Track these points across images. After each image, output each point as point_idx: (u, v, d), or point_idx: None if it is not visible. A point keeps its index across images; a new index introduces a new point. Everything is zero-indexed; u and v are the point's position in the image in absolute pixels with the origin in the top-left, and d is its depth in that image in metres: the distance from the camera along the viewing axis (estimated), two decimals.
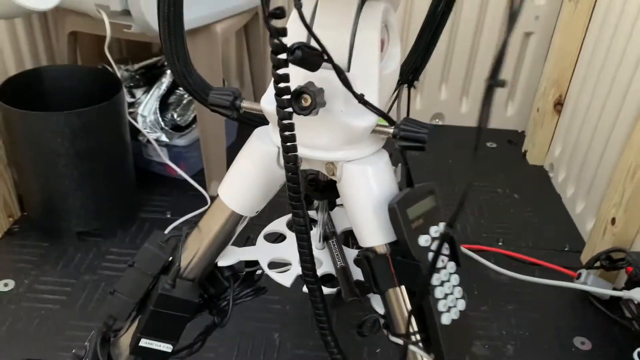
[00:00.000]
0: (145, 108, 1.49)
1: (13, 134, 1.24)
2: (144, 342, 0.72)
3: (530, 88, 1.97)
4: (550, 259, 1.36)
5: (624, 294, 1.15)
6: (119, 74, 1.38)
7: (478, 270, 1.34)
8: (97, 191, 1.31)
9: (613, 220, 1.23)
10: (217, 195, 0.70)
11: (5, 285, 1.20)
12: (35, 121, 1.19)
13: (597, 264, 1.24)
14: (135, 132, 1.48)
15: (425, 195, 0.61)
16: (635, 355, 1.03)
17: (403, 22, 1.86)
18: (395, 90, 0.74)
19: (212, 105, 0.65)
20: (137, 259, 0.73)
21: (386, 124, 0.60)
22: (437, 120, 2.08)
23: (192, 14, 1.29)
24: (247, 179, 0.67)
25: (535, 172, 1.81)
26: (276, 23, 0.47)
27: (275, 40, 0.48)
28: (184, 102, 1.57)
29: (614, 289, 1.21)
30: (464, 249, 1.38)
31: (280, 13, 0.46)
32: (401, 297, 0.63)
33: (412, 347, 0.63)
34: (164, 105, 1.54)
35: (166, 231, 1.38)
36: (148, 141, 1.49)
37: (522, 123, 2.03)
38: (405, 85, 0.80)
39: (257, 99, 1.87)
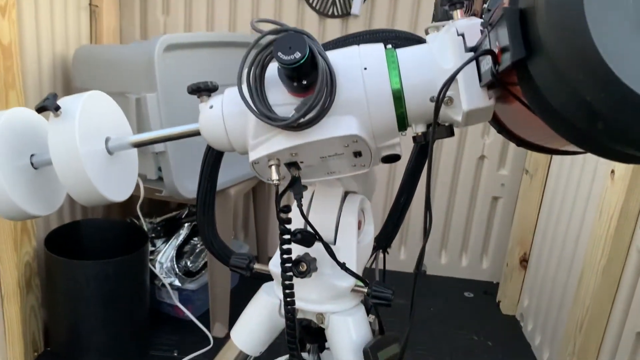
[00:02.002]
0: (164, 256, 1.67)
1: (52, 278, 1.41)
2: None
3: (501, 243, 2.17)
4: None
5: None
6: (145, 228, 1.59)
7: None
8: (117, 330, 1.45)
9: None
10: (229, 336, 0.85)
11: None
12: (74, 268, 1.36)
13: None
14: (152, 276, 1.64)
15: (393, 342, 0.77)
16: None
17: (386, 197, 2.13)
18: (372, 255, 0.93)
19: (232, 267, 0.83)
20: None
21: (362, 284, 0.78)
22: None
23: None
24: (254, 324, 0.83)
25: (508, 321, 1.94)
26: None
27: (282, 227, 0.68)
28: (197, 250, 1.75)
29: None
30: None
31: (287, 210, 0.67)
32: None
33: None
34: (179, 253, 1.72)
35: None
36: (163, 285, 1.65)
37: (496, 275, 2.20)
38: (381, 250, 0.99)
39: (259, 247, 2.08)
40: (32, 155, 0.73)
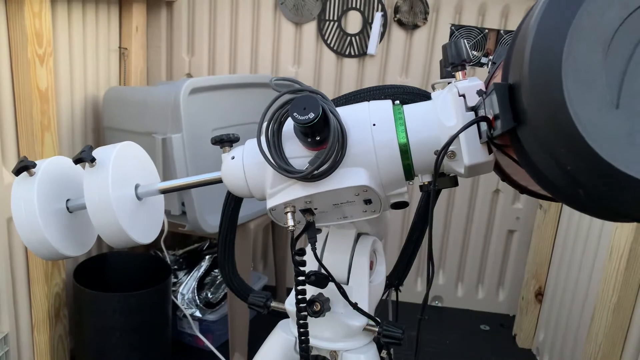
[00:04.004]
0: (185, 287, 1.72)
1: (80, 308, 1.47)
2: None
3: (517, 276, 2.17)
4: None
5: None
6: (168, 261, 1.64)
7: None
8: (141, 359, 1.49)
9: None
10: None
11: None
12: (101, 300, 1.41)
13: None
14: (174, 307, 1.69)
15: None
16: None
17: (401, 237, 2.16)
18: (385, 292, 0.96)
19: (250, 304, 0.87)
20: None
21: (374, 324, 0.81)
22: (436, 302, 2.26)
23: None
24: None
25: (524, 355, 1.93)
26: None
27: (297, 269, 0.72)
28: (217, 282, 1.80)
29: None
30: None
31: (302, 253, 0.71)
32: None
33: None
34: (200, 284, 1.77)
35: None
36: (184, 315, 1.69)
37: (512, 307, 2.20)
38: (393, 288, 1.02)
39: (278, 277, 2.11)
40: (67, 200, 0.79)
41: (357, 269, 0.83)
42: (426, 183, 0.69)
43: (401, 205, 0.73)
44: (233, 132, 1.60)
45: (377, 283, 0.86)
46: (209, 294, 1.75)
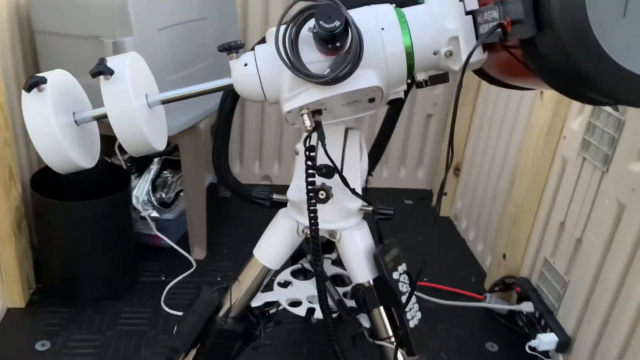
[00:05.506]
0: (139, 190, 1.73)
1: (42, 219, 1.44)
2: None
3: (434, 155, 2.39)
4: (463, 288, 1.73)
5: (516, 307, 1.53)
6: (124, 166, 1.63)
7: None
8: (109, 262, 1.52)
9: (504, 256, 1.62)
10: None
11: (43, 345, 1.37)
12: (66, 209, 1.40)
13: (496, 288, 1.62)
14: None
15: (393, 247, 0.93)
16: (526, 347, 1.39)
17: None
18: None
19: (254, 199, 0.94)
20: (195, 307, 0.98)
21: (367, 204, 0.93)
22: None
23: (180, 120, 1.56)
24: (274, 243, 0.96)
25: (443, 222, 2.19)
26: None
27: (309, 163, 0.80)
28: (168, 183, 1.82)
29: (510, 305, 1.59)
30: None
31: (313, 149, 0.79)
32: (382, 313, 0.94)
33: (389, 345, 0.94)
34: (152, 187, 1.78)
35: (164, 292, 1.62)
36: (141, 217, 1.72)
37: (430, 183, 2.45)
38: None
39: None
40: (73, 113, 0.78)
41: (350, 159, 0.92)
42: (422, 80, 0.77)
43: (397, 101, 0.81)
44: (179, 30, 1.55)
45: (363, 170, 0.96)
46: (162, 195, 1.78)
